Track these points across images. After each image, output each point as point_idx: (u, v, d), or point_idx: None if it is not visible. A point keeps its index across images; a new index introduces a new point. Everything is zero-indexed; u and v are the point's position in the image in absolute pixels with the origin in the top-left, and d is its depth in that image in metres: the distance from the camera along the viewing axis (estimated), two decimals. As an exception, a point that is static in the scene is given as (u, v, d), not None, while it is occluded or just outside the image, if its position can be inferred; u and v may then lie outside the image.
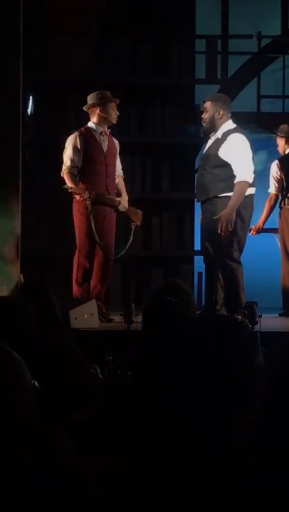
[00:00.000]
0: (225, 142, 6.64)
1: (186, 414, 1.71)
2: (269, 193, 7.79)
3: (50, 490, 1.49)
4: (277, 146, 7.94)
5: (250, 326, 5.48)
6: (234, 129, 6.75)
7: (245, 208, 6.64)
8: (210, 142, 6.79)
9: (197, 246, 8.39)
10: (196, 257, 8.51)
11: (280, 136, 7.82)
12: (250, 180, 6.62)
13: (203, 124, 6.80)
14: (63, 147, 6.95)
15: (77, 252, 6.89)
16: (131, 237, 7.04)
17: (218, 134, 6.73)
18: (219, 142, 6.67)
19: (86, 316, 6.15)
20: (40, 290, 4.00)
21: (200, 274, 8.32)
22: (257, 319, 5.56)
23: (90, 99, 6.94)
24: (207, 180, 6.67)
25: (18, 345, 1.90)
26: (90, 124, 6.93)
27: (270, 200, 7.78)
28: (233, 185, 6.57)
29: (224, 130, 6.72)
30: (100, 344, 5.10)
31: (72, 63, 8.56)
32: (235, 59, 9.25)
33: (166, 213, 8.56)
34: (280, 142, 7.84)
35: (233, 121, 6.82)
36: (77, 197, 6.72)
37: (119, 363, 3.52)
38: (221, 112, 6.72)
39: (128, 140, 8.08)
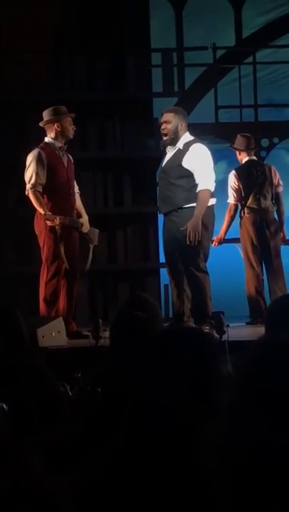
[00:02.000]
0: (188, 152, 6.69)
1: (155, 427, 1.72)
2: (228, 204, 7.83)
3: (21, 510, 1.48)
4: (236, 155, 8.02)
5: (217, 335, 5.49)
6: (194, 139, 6.82)
7: (208, 217, 6.69)
8: (170, 154, 6.82)
9: (162, 258, 8.41)
10: (161, 269, 8.52)
11: (234, 148, 7.90)
12: (212, 189, 6.69)
13: (165, 137, 6.77)
14: (23, 165, 6.93)
15: (44, 269, 6.85)
16: (90, 256, 7.03)
17: (179, 145, 6.75)
18: (181, 153, 6.71)
19: (54, 334, 6.13)
20: (6, 311, 3.97)
21: (166, 286, 8.33)
22: (224, 329, 5.57)
23: (46, 114, 6.93)
24: (171, 191, 6.71)
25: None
26: (48, 140, 6.92)
27: (230, 210, 7.84)
28: (191, 195, 6.63)
29: (185, 141, 6.76)
30: (68, 361, 5.08)
31: (29, 80, 8.56)
32: (191, 71, 9.32)
33: (130, 227, 8.58)
34: (237, 153, 7.92)
35: (190, 133, 6.87)
36: (49, 223, 6.69)
37: (88, 379, 3.52)
38: (183, 124, 6.78)
39: (88, 156, 8.09)
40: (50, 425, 3.40)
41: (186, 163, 6.67)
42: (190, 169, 6.65)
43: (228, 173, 8.03)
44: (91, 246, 7.06)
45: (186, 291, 6.79)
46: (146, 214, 8.50)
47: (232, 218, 7.85)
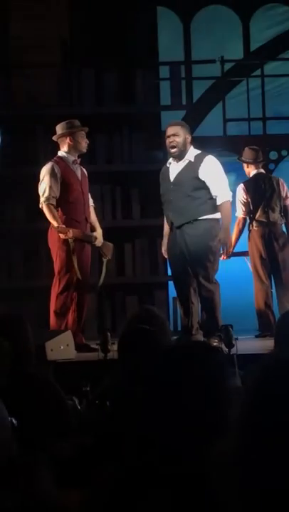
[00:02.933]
0: (202, 164, 6.74)
1: (164, 441, 1.71)
2: (237, 217, 7.83)
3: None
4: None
5: (226, 349, 5.48)
6: (203, 152, 6.87)
7: (217, 230, 6.75)
8: (179, 166, 6.82)
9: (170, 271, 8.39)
10: (170, 281, 8.52)
11: (242, 161, 7.91)
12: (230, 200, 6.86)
13: (174, 149, 6.76)
14: (33, 179, 6.95)
15: (56, 281, 6.86)
16: (104, 270, 7.05)
17: (189, 157, 6.78)
18: (194, 165, 6.75)
19: (62, 347, 6.12)
20: (16, 321, 3.96)
21: (174, 298, 8.32)
22: (233, 342, 5.56)
23: (60, 128, 6.96)
24: (185, 203, 6.72)
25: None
26: (61, 154, 6.95)
27: (238, 223, 7.83)
28: (212, 207, 6.71)
29: (194, 153, 6.80)
30: (77, 375, 5.07)
31: (38, 95, 8.58)
32: (199, 84, 9.33)
33: (138, 240, 8.57)
34: (245, 166, 7.93)
35: (197, 146, 6.92)
36: (62, 235, 6.70)
37: (97, 393, 3.51)
38: (188, 137, 6.81)
39: (96, 169, 8.10)
40: (59, 439, 3.39)
41: (203, 175, 6.72)
42: (206, 181, 6.71)
43: (237, 185, 8.02)
44: (104, 260, 7.07)
45: (194, 305, 6.79)
46: (155, 227, 8.49)
47: (240, 232, 7.85)
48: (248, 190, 7.79)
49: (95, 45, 8.74)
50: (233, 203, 7.75)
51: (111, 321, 8.38)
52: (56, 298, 6.81)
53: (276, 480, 1.05)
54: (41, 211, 6.86)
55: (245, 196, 7.79)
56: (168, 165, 6.90)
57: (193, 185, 6.71)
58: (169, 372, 1.88)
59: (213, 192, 6.71)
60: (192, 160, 6.76)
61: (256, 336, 7.62)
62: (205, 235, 6.69)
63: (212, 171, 6.72)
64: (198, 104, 9.18)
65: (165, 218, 7.05)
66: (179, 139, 6.75)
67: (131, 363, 3.16)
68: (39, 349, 5.31)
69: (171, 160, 6.88)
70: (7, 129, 8.39)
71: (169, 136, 6.81)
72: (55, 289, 6.84)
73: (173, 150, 6.78)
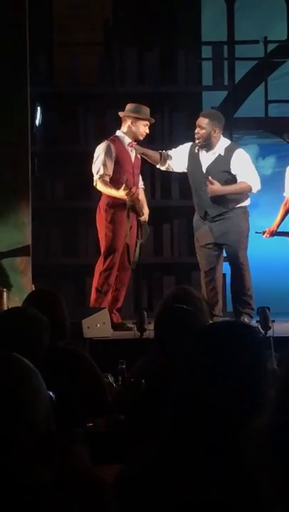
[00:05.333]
0: (233, 158, 6.87)
1: (200, 422, 1.72)
2: (284, 197, 7.78)
3: (68, 500, 1.50)
4: None
5: (262, 331, 5.48)
6: (233, 143, 7.06)
7: (248, 215, 7.03)
8: (208, 159, 6.92)
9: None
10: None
11: None
12: (255, 191, 6.98)
13: (197, 140, 6.88)
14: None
15: (101, 260, 6.92)
16: (138, 251, 7.07)
17: (218, 150, 6.89)
18: (225, 159, 6.87)
19: (99, 325, 6.15)
20: (52, 296, 3.99)
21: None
22: (270, 324, 5.56)
23: (128, 108, 6.97)
24: (218, 196, 6.85)
25: (34, 356, 1.91)
26: (119, 134, 6.97)
27: (286, 204, 7.76)
28: (241, 197, 6.93)
29: (224, 146, 6.91)
30: (113, 353, 5.10)
31: (80, 73, 8.59)
32: (242, 64, 9.27)
33: (177, 220, 8.57)
34: None
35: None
36: (125, 193, 6.67)
37: (132, 371, 3.53)
38: (217, 131, 6.89)
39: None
40: (95, 415, 3.42)
41: (234, 169, 6.86)
42: (237, 175, 6.86)
43: (277, 168, 7.97)
44: (139, 242, 7.09)
45: (217, 287, 6.89)
46: (193, 208, 8.49)
47: (287, 212, 7.78)
48: None
49: (138, 24, 8.71)
50: (273, 185, 7.71)
51: (148, 300, 8.40)
52: (99, 276, 6.87)
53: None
54: (88, 188, 6.86)
55: None
56: (196, 150, 6.93)
57: (226, 178, 6.85)
58: (206, 350, 1.89)
59: (249, 183, 6.85)
60: (222, 154, 6.88)
61: None
62: (238, 222, 6.89)
63: (243, 165, 6.86)
64: (240, 85, 9.13)
65: (196, 206, 7.09)
66: (202, 132, 6.83)
67: (167, 342, 3.17)
68: (75, 326, 5.35)
69: (201, 149, 6.92)
70: (48, 107, 8.42)
71: (196, 126, 6.88)
72: (99, 267, 6.90)
73: (197, 141, 6.90)
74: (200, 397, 1.74)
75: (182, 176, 8.58)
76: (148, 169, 8.50)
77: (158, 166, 7.15)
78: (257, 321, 5.73)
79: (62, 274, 8.19)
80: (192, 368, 1.86)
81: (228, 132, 8.29)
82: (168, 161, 7.07)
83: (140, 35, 8.65)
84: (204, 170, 6.90)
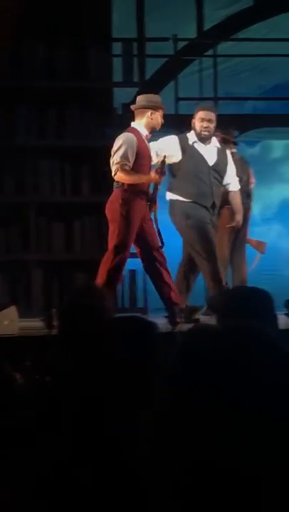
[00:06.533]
0: (227, 153, 7.27)
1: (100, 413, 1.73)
2: None
3: None
4: None
5: None
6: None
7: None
8: (211, 150, 7.14)
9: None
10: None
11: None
12: None
13: (207, 134, 7.05)
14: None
15: (110, 256, 6.70)
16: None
17: (215, 143, 7.18)
18: (223, 151, 7.22)
19: (6, 323, 6.12)
20: None
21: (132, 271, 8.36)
22: None
23: (143, 99, 6.85)
24: (222, 189, 7.19)
25: None
26: (137, 126, 6.82)
27: None
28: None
29: (216, 141, 7.22)
30: (20, 350, 5.07)
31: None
32: (153, 62, 9.31)
33: (87, 217, 8.55)
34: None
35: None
36: (156, 173, 6.56)
37: (37, 368, 3.52)
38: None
39: (47, 144, 8.05)
40: (5, 414, 3.39)
41: (229, 163, 7.23)
42: (228, 168, 7.23)
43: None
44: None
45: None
46: (104, 204, 8.49)
47: None
48: None
49: (49, 20, 8.65)
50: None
51: (59, 297, 8.36)
52: (107, 273, 6.67)
53: (193, 448, 1.07)
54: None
55: None
56: (191, 142, 6.97)
57: (226, 171, 7.16)
58: (106, 345, 1.89)
59: (227, 179, 7.20)
60: (219, 146, 7.16)
61: None
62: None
63: (231, 160, 7.21)
64: (150, 82, 9.16)
65: (199, 196, 7.12)
66: (212, 126, 7.04)
67: (69, 338, 3.17)
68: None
69: (195, 139, 7.00)
70: None
71: (203, 120, 6.93)
72: (106, 264, 6.70)
73: (206, 134, 7.05)
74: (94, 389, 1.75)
75: (92, 172, 8.58)
76: (57, 165, 8.46)
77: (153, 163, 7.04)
78: (285, 314, 5.87)
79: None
80: (89, 364, 1.87)
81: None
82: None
83: (50, 30, 8.60)
84: (210, 162, 7.07)
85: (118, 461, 1.51)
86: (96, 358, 1.90)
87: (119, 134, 6.99)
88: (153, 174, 6.59)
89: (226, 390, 1.07)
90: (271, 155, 7.50)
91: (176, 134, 7.20)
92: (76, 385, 1.94)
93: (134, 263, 8.22)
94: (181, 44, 9.29)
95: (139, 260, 8.19)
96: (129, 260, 8.39)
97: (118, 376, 1.79)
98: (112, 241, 6.73)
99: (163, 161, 6.65)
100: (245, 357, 1.10)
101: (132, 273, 8.32)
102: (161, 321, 6.09)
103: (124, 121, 8.27)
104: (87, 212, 8.53)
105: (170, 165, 7.13)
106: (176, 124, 9.02)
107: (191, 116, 9.11)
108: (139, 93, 7.49)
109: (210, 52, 9.36)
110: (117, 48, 8.88)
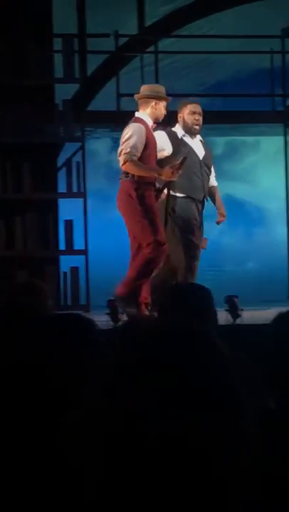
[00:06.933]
0: (210, 148, 7.34)
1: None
2: None
3: None
4: None
5: (232, 319, 5.75)
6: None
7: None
8: (198, 144, 7.11)
9: (62, 246, 8.36)
10: (61, 256, 8.50)
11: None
12: None
13: (197, 127, 7.04)
14: None
15: (145, 249, 6.48)
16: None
17: (200, 138, 7.16)
18: (208, 147, 7.25)
19: None
20: None
21: (65, 273, 8.33)
22: (239, 313, 5.78)
23: (147, 89, 6.78)
24: (208, 182, 7.17)
25: None
26: (143, 117, 6.73)
27: None
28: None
29: (199, 135, 7.18)
30: None
31: None
32: (94, 58, 9.28)
33: (29, 214, 8.49)
34: None
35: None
36: (170, 173, 6.45)
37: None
38: None
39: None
40: None
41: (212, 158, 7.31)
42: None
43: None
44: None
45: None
46: (46, 201, 8.44)
47: None
48: None
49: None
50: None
51: None
52: (139, 268, 6.48)
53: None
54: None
55: None
56: (180, 136, 7.00)
57: (211, 164, 7.19)
58: (39, 344, 1.88)
59: (212, 173, 7.24)
60: (203, 140, 7.16)
61: None
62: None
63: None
64: (92, 78, 9.14)
65: (192, 190, 7.06)
66: (201, 118, 7.03)
67: (5, 333, 3.14)
68: None
69: (183, 132, 7.02)
70: None
71: (194, 113, 6.96)
72: (137, 262, 6.50)
73: (197, 128, 7.03)
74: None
75: (34, 169, 8.53)
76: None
77: None
78: (226, 310, 5.86)
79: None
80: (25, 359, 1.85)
81: (79, 125, 8.29)
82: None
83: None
84: (200, 156, 7.08)
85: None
86: (29, 358, 1.88)
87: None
88: (168, 171, 6.48)
89: (151, 392, 1.06)
90: (213, 152, 7.52)
91: (162, 130, 7.10)
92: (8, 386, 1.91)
93: (76, 260, 8.20)
94: (122, 40, 9.28)
95: (81, 257, 8.18)
96: (72, 258, 8.39)
97: (51, 375, 1.77)
98: (136, 237, 6.54)
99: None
100: (173, 357, 1.09)
101: (75, 270, 8.30)
102: (103, 318, 6.08)
103: (66, 118, 8.25)
104: (29, 210, 8.47)
105: (162, 160, 7.01)
106: (118, 120, 9.02)
107: (132, 113, 9.15)
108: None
109: (151, 48, 9.37)
110: (57, 43, 8.83)
